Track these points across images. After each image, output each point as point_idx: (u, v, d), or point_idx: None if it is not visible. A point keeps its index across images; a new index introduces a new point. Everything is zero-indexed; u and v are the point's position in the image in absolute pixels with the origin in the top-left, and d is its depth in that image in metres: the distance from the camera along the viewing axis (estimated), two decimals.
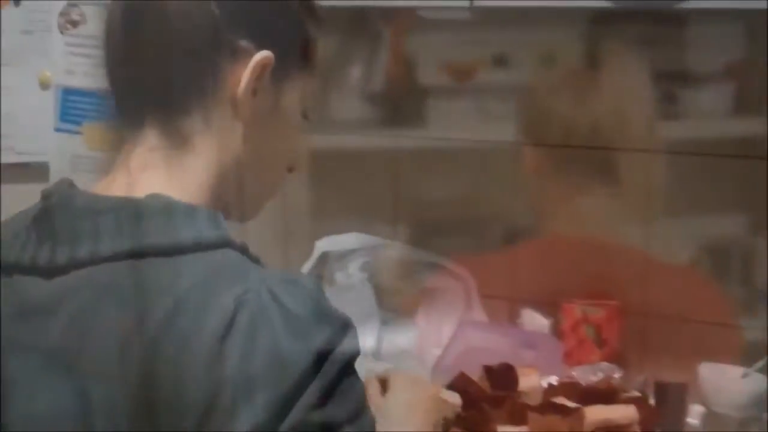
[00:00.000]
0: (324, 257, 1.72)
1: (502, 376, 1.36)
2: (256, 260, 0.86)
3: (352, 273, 1.72)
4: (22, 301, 0.84)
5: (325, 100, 1.76)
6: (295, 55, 0.93)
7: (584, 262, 1.70)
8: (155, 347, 0.78)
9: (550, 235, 1.74)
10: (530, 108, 1.69)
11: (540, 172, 1.71)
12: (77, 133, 1.81)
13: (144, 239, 0.82)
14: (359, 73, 1.77)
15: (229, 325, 0.78)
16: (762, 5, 1.32)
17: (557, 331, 1.65)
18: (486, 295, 1.72)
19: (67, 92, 1.81)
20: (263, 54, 0.88)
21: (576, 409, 1.22)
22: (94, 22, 1.72)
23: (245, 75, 0.88)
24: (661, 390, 1.50)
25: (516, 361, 1.55)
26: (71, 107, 1.81)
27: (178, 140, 0.89)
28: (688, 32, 1.58)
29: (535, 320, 1.68)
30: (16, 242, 0.86)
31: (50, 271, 0.83)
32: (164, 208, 0.84)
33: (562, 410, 1.23)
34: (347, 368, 0.80)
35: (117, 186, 0.88)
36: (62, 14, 1.80)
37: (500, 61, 1.67)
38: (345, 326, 0.82)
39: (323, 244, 1.69)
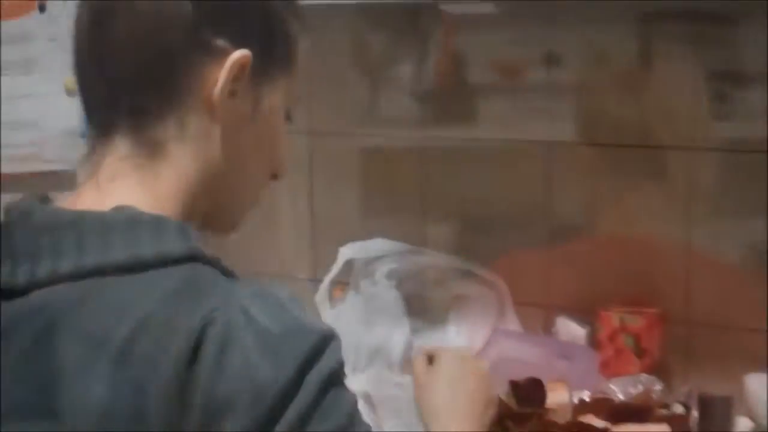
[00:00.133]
0: (349, 264, 1.66)
1: (530, 391, 1.28)
2: (228, 273, 0.79)
3: (378, 280, 1.65)
4: None
5: (376, 98, 1.71)
6: (276, 54, 0.87)
7: (625, 266, 1.61)
8: (115, 375, 0.72)
9: (589, 236, 1.65)
10: (581, 107, 1.61)
11: (586, 171, 1.62)
12: None
13: (106, 255, 0.76)
14: (409, 72, 1.71)
15: (196, 348, 0.71)
16: None
17: (594, 341, 1.57)
18: (520, 303, 1.65)
19: None
20: (240, 53, 0.82)
21: (603, 430, 1.13)
22: None
23: (221, 75, 0.81)
24: (706, 403, 1.41)
25: (550, 372, 1.47)
26: None
27: (149, 147, 0.82)
28: (740, 31, 1.50)
29: (570, 329, 1.59)
30: None
31: (10, 293, 0.78)
32: (128, 221, 0.78)
33: (589, 430, 1.14)
34: (330, 382, 0.74)
35: (85, 198, 0.82)
36: None
37: (550, 60, 1.59)
38: (325, 338, 0.75)
39: (348, 251, 1.63)
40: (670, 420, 1.24)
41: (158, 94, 0.82)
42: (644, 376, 1.47)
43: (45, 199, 0.84)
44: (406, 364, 1.65)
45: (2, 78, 1.78)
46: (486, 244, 1.71)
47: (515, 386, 1.28)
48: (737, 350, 1.49)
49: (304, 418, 0.72)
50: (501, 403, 1.24)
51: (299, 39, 0.90)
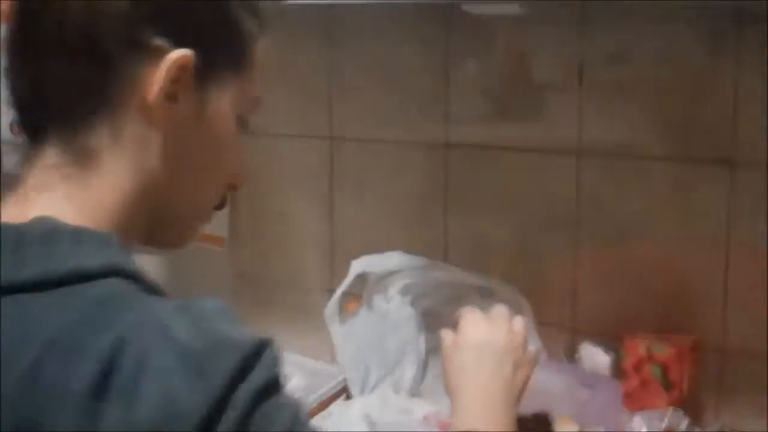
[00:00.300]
0: (362, 278, 1.57)
1: (534, 426, 1.17)
2: (154, 290, 0.72)
3: (391, 296, 1.56)
4: None
5: (446, 97, 1.62)
6: (225, 54, 0.79)
7: (656, 288, 1.49)
8: (18, 405, 0.64)
9: (621, 255, 1.53)
10: (618, 115, 1.49)
11: (620, 185, 1.50)
12: None
13: (17, 272, 0.69)
14: (475, 70, 1.62)
15: (107, 372, 0.64)
16: None
17: (619, 369, 1.45)
18: (543, 323, 1.53)
19: None
20: (179, 53, 0.74)
21: None
22: None
23: (157, 77, 0.74)
24: None
25: (569, 402, 1.37)
26: None
27: (80, 156, 0.75)
28: None
29: (594, 355, 1.48)
30: None
31: None
32: (45, 234, 0.70)
33: None
34: (262, 396, 0.66)
35: (10, 210, 0.75)
36: None
37: (614, 59, 1.48)
38: (256, 349, 0.67)
39: (360, 264, 1.54)
40: None
41: (88, 98, 0.74)
42: (671, 411, 1.36)
43: None
44: (417, 388, 1.56)
45: None
46: (510, 259, 1.61)
47: (520, 420, 1.17)
48: None
49: None
50: None
51: (255, 38, 0.82)
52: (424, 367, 1.58)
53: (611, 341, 1.48)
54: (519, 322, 1.14)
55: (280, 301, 1.84)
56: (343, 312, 1.60)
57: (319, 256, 1.79)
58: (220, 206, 0.86)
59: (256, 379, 0.66)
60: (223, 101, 0.79)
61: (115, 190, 0.76)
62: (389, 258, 1.55)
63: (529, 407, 1.25)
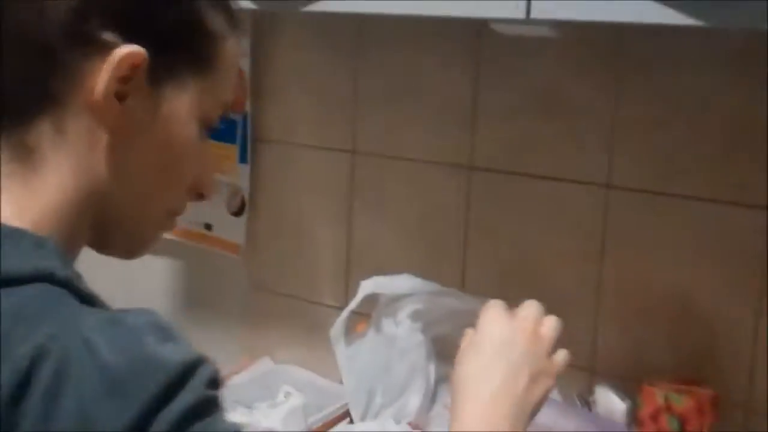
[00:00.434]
0: (372, 299, 1.50)
1: None
2: (88, 299, 0.67)
3: (401, 321, 1.49)
4: None
5: (473, 117, 1.55)
6: (187, 53, 0.74)
7: (680, 334, 1.40)
8: None
9: (645, 297, 1.45)
10: (644, 149, 1.40)
11: (646, 223, 1.42)
12: None
13: None
14: (504, 91, 1.55)
15: (23, 384, 0.60)
16: None
17: (635, 417, 1.37)
18: None
19: None
20: (128, 49, 0.69)
21: None
22: None
23: (102, 74, 0.69)
24: None
25: None
26: None
27: (22, 153, 0.71)
28: None
29: (610, 401, 1.40)
30: None
31: None
32: None
33: None
34: (193, 418, 0.62)
35: None
36: None
37: (652, 90, 1.41)
38: (187, 368, 0.63)
39: (370, 285, 1.47)
40: None
41: (31, 92, 0.70)
42: None
43: None
44: (423, 418, 1.49)
45: None
46: (528, 291, 1.53)
47: None
48: None
49: None
50: None
51: (224, 38, 0.76)
52: (432, 397, 1.51)
53: (629, 385, 1.40)
54: (549, 325, 1.00)
55: (294, 314, 1.78)
56: (351, 333, 1.54)
57: (335, 271, 1.72)
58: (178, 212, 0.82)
59: (183, 400, 0.61)
60: (181, 104, 0.74)
61: (58, 190, 0.71)
62: (400, 280, 1.48)
63: None
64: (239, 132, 1.75)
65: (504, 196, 1.54)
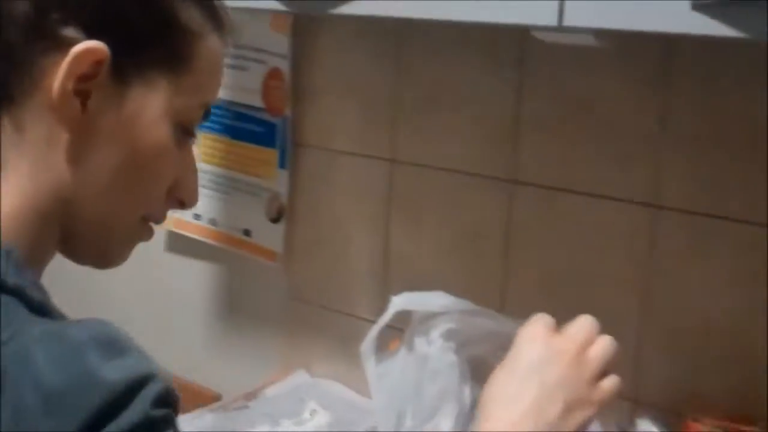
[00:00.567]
0: (405, 315, 1.43)
1: None
2: (37, 308, 0.63)
3: (433, 339, 1.42)
4: None
5: (516, 129, 1.49)
6: (157, 51, 0.69)
7: (733, 367, 1.31)
8: None
9: (695, 324, 1.35)
10: (695, 167, 1.31)
11: (695, 244, 1.33)
12: None
13: None
14: (549, 102, 1.47)
15: None
16: None
17: None
18: None
19: None
20: (87, 45, 0.66)
21: None
22: None
23: (60, 71, 0.66)
24: None
25: None
26: None
27: None
28: None
29: None
30: None
31: None
32: None
33: None
34: None
35: None
36: None
37: (702, 106, 1.32)
38: (133, 386, 0.59)
39: (401, 301, 1.40)
40: None
41: None
42: None
43: None
44: None
45: None
46: (569, 312, 1.44)
47: None
48: None
49: None
50: None
51: (201, 35, 0.71)
52: (465, 423, 1.44)
53: (672, 418, 1.31)
54: (599, 347, 0.91)
55: (331, 326, 1.73)
56: (383, 350, 1.47)
57: (371, 284, 1.66)
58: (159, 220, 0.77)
59: (124, 421, 0.58)
60: (150, 104, 0.70)
61: (19, 193, 0.68)
62: (432, 297, 1.40)
63: None
64: (279, 136, 1.70)
65: (547, 212, 1.46)
